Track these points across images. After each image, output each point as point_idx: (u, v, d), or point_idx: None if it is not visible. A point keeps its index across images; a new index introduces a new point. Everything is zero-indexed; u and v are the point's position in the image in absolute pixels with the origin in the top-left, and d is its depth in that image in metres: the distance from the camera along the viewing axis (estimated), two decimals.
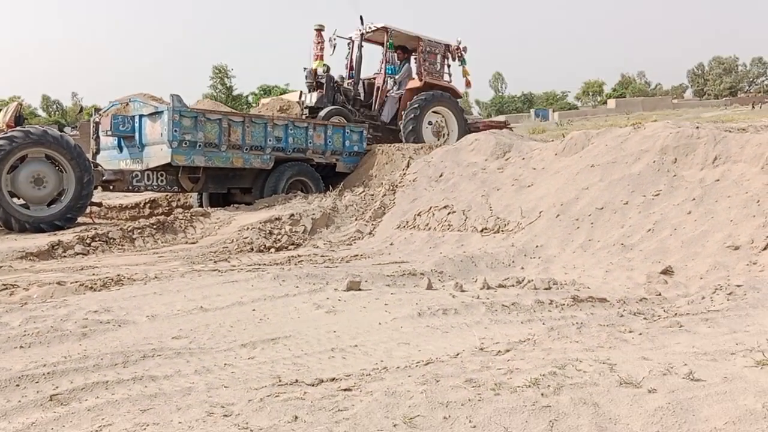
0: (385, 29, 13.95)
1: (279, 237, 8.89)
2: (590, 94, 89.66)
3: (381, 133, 14.23)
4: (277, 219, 9.44)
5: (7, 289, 5.71)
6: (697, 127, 8.40)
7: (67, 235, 8.68)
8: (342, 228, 9.61)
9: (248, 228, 9.07)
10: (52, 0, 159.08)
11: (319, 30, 13.77)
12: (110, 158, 11.87)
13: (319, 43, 13.71)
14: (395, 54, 14.62)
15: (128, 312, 4.84)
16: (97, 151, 12.17)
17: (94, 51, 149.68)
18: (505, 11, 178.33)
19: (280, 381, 3.19)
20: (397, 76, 14.52)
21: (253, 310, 4.87)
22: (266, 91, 69.98)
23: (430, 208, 9.01)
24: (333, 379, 3.20)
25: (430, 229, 8.59)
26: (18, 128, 10.07)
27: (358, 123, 13.31)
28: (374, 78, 14.79)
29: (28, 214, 9.75)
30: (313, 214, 9.74)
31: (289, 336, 4.15)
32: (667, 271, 5.82)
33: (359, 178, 12.34)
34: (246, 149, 11.38)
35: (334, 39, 14.05)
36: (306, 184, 12.16)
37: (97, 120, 12.11)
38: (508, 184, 8.88)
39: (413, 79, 14.54)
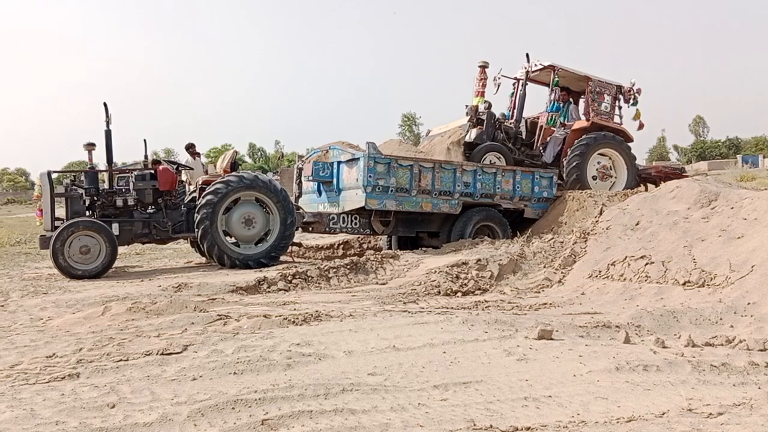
0: (552, 67, 13.62)
1: (466, 281, 8.93)
2: None
3: None
4: (463, 263, 9.49)
5: (221, 319, 6.27)
6: None
7: (271, 272, 9.39)
8: (529, 275, 9.43)
9: (436, 271, 9.21)
10: (256, 57, 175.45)
11: (483, 67, 13.67)
12: (310, 201, 12.73)
13: (481, 79, 13.58)
14: (558, 92, 14.12)
15: (327, 347, 5.11)
16: (300, 195, 13.11)
17: (292, 101, 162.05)
18: (706, 51, 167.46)
19: (474, 425, 3.20)
20: (563, 118, 14.11)
21: (444, 352, 4.92)
22: None
23: (626, 257, 8.58)
24: (528, 429, 3.15)
25: (625, 279, 8.17)
26: (233, 173, 11.16)
27: (519, 162, 13.13)
28: (538, 117, 14.42)
29: (238, 251, 10.70)
30: (500, 259, 9.67)
31: (480, 381, 4.14)
32: None
33: (548, 224, 12.09)
34: (435, 194, 11.65)
35: (499, 78, 13.93)
36: (493, 229, 12.15)
37: (300, 166, 13.07)
38: (715, 234, 8.23)
39: (580, 119, 14.03)
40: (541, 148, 13.92)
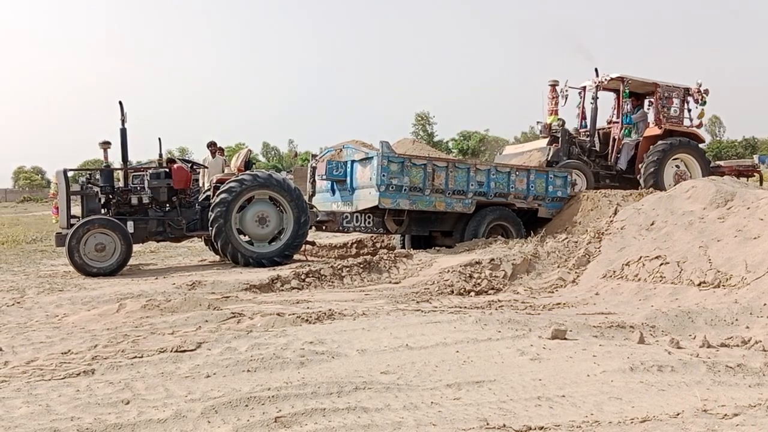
0: (621, 79, 13.97)
1: (479, 281, 8.90)
2: None
3: (618, 183, 14.00)
4: (477, 263, 9.46)
5: (235, 317, 6.31)
6: None
7: (284, 271, 9.42)
8: (543, 275, 9.39)
9: (449, 271, 9.19)
10: (276, 59, 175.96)
11: (554, 85, 14.17)
12: (324, 200, 12.74)
13: (553, 98, 14.10)
14: (630, 103, 14.56)
15: (340, 345, 5.12)
16: (313, 194, 13.13)
17: (305, 99, 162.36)
18: (722, 50, 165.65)
19: (487, 424, 3.20)
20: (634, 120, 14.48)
21: (457, 351, 4.92)
22: (466, 137, 71.22)
23: (640, 257, 8.53)
24: (541, 428, 3.15)
25: (639, 280, 8.13)
26: (247, 172, 11.20)
27: (595, 175, 13.60)
28: (609, 127, 14.81)
29: (252, 250, 10.74)
30: (514, 259, 9.63)
31: (493, 380, 4.14)
32: None
33: (562, 224, 12.02)
34: (449, 193, 11.63)
35: (566, 90, 14.36)
36: (507, 228, 12.10)
37: (314, 165, 13.10)
38: (731, 235, 8.16)
39: (649, 125, 14.33)
40: (615, 157, 14.34)
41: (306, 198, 12.14)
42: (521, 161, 13.68)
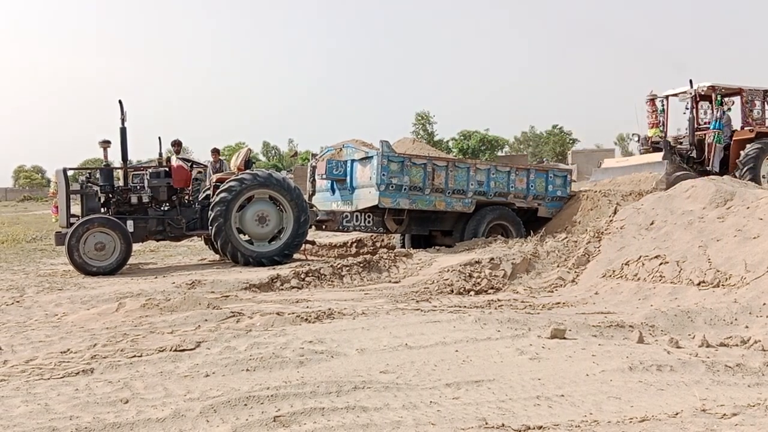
0: (712, 88, 14.69)
1: (479, 280, 8.90)
2: None
3: None
4: (477, 262, 9.46)
5: (234, 316, 6.31)
6: None
7: (284, 270, 9.42)
8: (543, 274, 9.39)
9: (449, 270, 9.20)
10: (285, 55, 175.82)
11: (653, 99, 15.06)
12: (323, 200, 12.73)
13: (653, 111, 15.09)
14: (720, 108, 15.15)
15: (339, 344, 5.12)
16: (313, 193, 13.13)
17: (306, 98, 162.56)
18: (720, 48, 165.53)
19: (486, 424, 3.20)
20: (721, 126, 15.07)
21: (456, 351, 4.92)
22: (466, 137, 71.23)
23: (640, 257, 8.53)
24: (540, 428, 3.15)
25: (639, 279, 8.12)
26: (247, 171, 11.20)
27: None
28: (704, 134, 15.29)
29: (252, 249, 10.74)
30: (514, 258, 9.63)
31: (492, 379, 4.14)
32: None
33: (562, 223, 12.02)
34: (448, 193, 11.63)
35: (658, 100, 15.26)
36: (506, 228, 12.09)
37: (314, 164, 13.10)
38: (730, 234, 8.16)
39: (736, 129, 14.88)
40: (710, 162, 14.86)
41: (306, 197, 12.13)
42: (633, 179, 13.90)
